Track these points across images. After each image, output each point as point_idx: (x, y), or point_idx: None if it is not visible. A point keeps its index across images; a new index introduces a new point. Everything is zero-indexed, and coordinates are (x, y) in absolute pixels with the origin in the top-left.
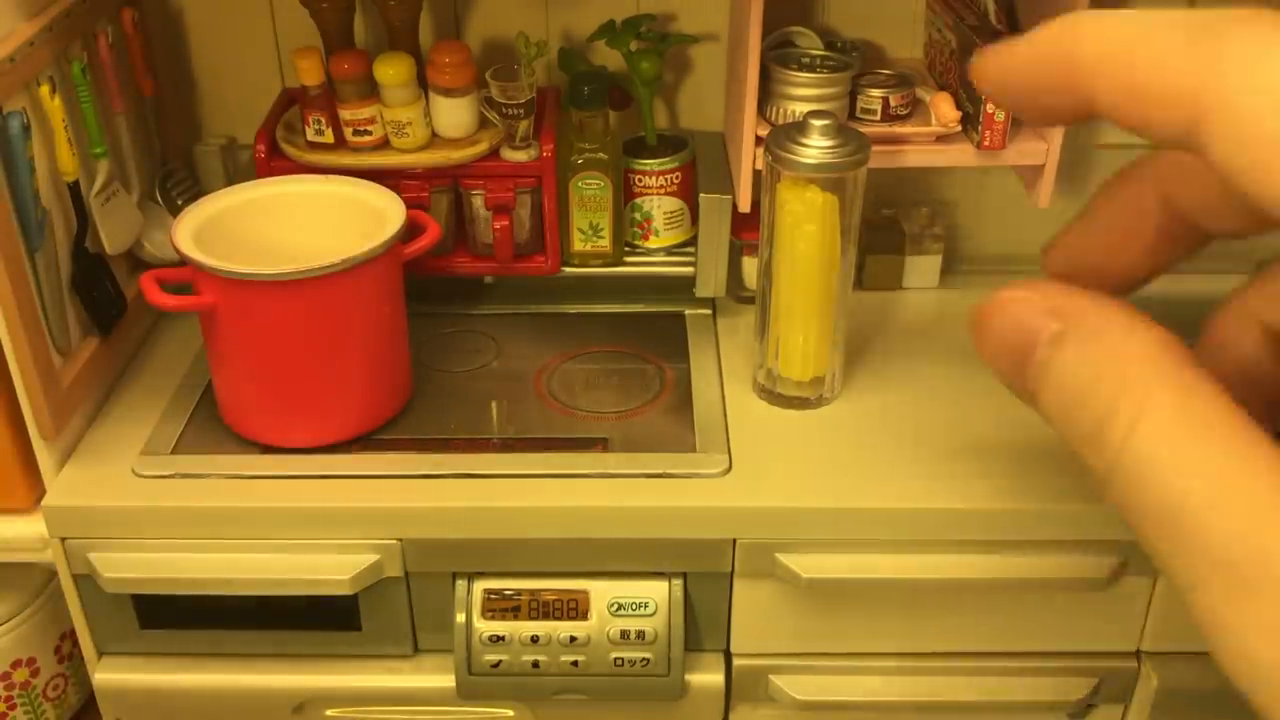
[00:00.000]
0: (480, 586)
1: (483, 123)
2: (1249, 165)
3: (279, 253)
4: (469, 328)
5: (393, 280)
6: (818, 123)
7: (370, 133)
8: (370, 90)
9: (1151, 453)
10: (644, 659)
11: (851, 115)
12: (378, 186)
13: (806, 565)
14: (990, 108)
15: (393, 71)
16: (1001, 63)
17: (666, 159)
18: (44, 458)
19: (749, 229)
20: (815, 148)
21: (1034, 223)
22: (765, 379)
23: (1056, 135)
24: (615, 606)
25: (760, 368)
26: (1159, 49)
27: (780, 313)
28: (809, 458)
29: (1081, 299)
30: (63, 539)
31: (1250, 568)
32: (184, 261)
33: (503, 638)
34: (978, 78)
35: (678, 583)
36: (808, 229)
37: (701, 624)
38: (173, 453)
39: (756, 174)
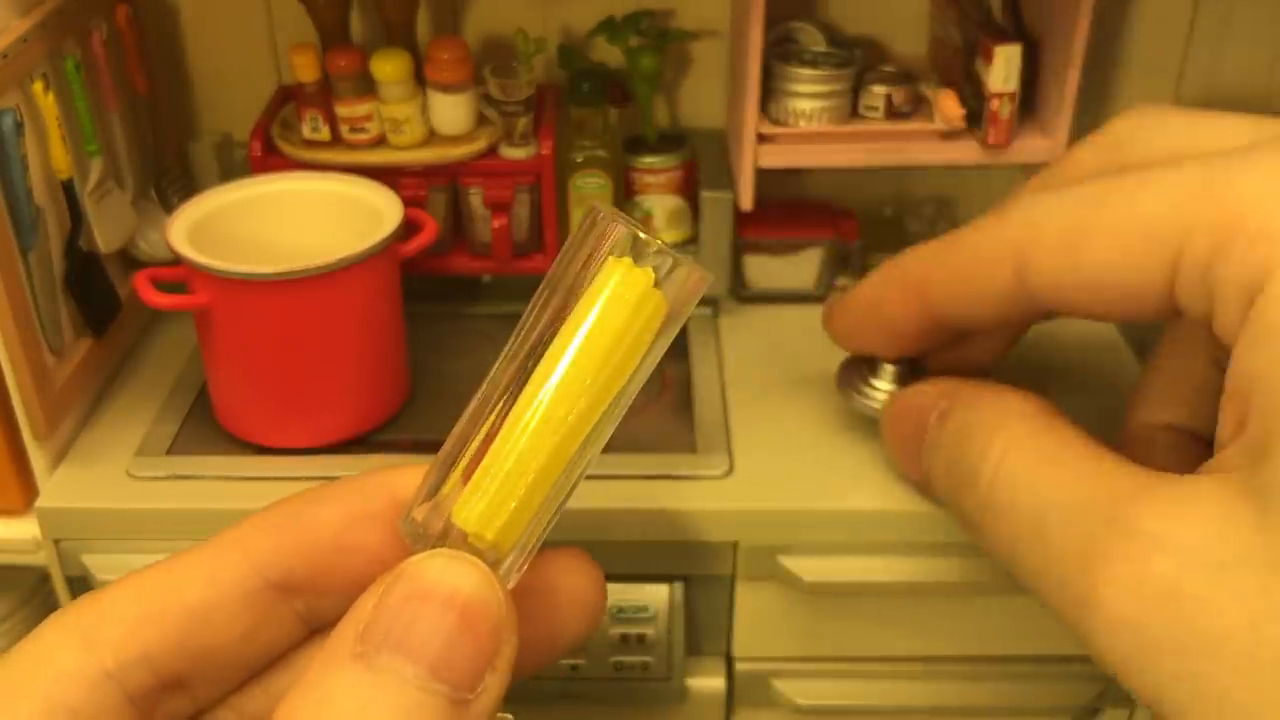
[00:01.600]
0: None
1: (481, 120)
2: None
3: (275, 251)
4: (467, 328)
5: (390, 279)
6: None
7: (367, 130)
8: (367, 87)
9: (1017, 478)
10: (644, 663)
11: (854, 112)
12: (375, 184)
13: (809, 568)
14: (995, 104)
15: (390, 68)
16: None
17: (667, 156)
18: (37, 459)
19: (751, 228)
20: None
21: None
22: (421, 511)
23: (1062, 132)
24: (615, 610)
25: (428, 491)
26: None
27: (512, 430)
28: (812, 459)
29: (962, 383)
30: (56, 541)
31: (1105, 542)
32: (178, 260)
33: None
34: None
35: (678, 586)
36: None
37: (702, 628)
38: (168, 454)
39: (756, 172)
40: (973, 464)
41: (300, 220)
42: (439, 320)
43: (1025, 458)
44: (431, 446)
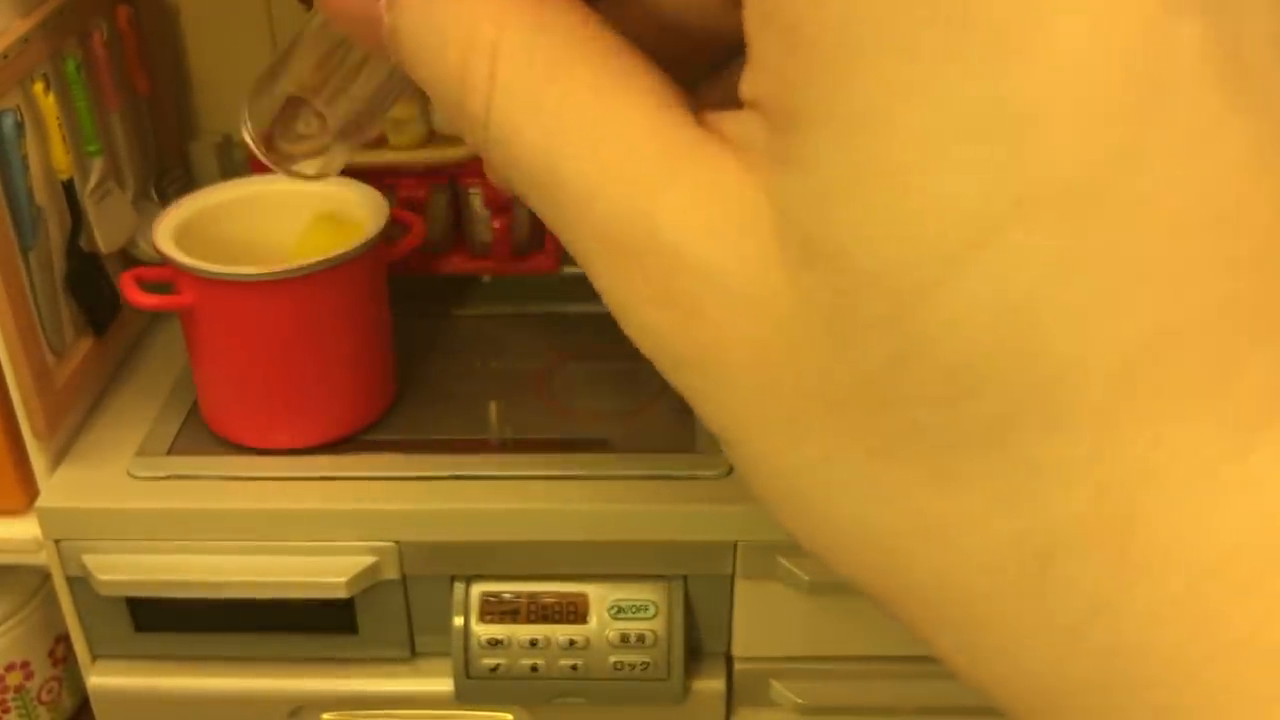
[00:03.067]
0: (478, 589)
1: None
2: None
3: (263, 253)
4: (467, 328)
5: (374, 281)
6: None
7: None
8: None
9: (512, 117)
10: (644, 662)
11: None
12: (363, 185)
13: (809, 567)
14: None
15: None
16: None
17: None
18: (38, 459)
19: None
20: None
21: None
22: None
23: None
24: (615, 609)
25: None
26: None
27: None
28: None
29: None
30: (56, 541)
31: (633, 240)
32: (165, 260)
33: (501, 641)
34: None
35: (678, 585)
36: None
37: (702, 627)
38: (168, 454)
39: None
40: (454, 84)
41: (287, 222)
42: (439, 321)
43: (520, 87)
44: (433, 446)
